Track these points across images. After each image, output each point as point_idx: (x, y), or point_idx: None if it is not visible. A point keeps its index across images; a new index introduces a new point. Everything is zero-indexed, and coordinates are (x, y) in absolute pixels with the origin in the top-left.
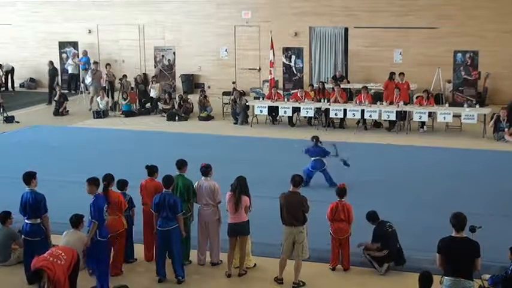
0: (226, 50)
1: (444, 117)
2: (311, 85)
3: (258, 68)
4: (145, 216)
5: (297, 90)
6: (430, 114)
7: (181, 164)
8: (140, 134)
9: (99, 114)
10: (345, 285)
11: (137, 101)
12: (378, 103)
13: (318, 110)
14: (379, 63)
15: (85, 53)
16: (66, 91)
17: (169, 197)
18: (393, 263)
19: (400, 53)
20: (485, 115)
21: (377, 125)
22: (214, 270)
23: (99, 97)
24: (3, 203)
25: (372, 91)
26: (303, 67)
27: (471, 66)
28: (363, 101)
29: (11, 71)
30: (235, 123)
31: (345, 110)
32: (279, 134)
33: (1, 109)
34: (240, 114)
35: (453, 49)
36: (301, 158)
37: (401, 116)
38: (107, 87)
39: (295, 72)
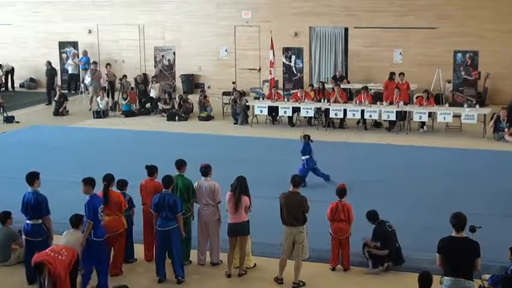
0: (226, 50)
1: (444, 117)
2: (311, 85)
3: (258, 68)
4: (145, 216)
5: (297, 90)
6: (430, 114)
7: (180, 164)
8: (140, 134)
9: (99, 114)
10: (345, 285)
11: (137, 101)
12: (378, 103)
13: (318, 110)
14: (379, 63)
15: (85, 53)
16: (66, 91)
17: (169, 197)
18: (392, 262)
19: (400, 53)
20: (485, 115)
21: (377, 125)
22: (214, 270)
23: (99, 97)
24: (3, 203)
25: (372, 91)
26: (303, 67)
27: (471, 66)
28: (363, 101)
29: (11, 71)
30: (235, 123)
31: (345, 110)
32: (279, 134)
33: (1, 109)
34: (240, 114)
35: (453, 49)
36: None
37: (402, 116)
38: (107, 87)
39: (295, 72)
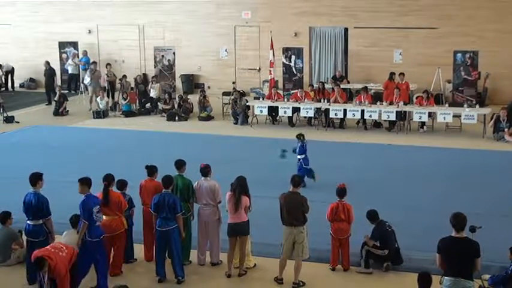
0: (226, 50)
1: (444, 118)
2: (311, 85)
3: (258, 68)
4: (145, 216)
5: (297, 90)
6: (430, 115)
7: (180, 164)
8: (140, 134)
9: (99, 114)
10: (345, 285)
11: (137, 101)
12: (378, 103)
13: (317, 110)
14: (379, 63)
15: (85, 53)
16: (66, 91)
17: (168, 197)
18: (391, 262)
19: (400, 53)
20: (485, 115)
21: (377, 125)
22: (214, 270)
23: (99, 97)
24: (3, 203)
25: (372, 91)
26: (302, 67)
27: (471, 66)
28: (363, 101)
29: (11, 71)
30: (235, 123)
31: (344, 110)
32: (279, 134)
33: (1, 109)
34: (241, 114)
35: (453, 49)
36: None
37: (401, 116)
38: (107, 87)
39: (295, 72)
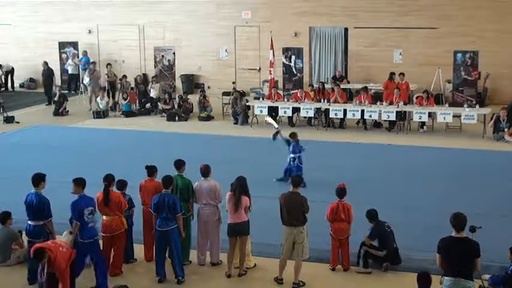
0: (226, 50)
1: (444, 118)
2: (311, 85)
3: (258, 68)
4: (146, 216)
5: (297, 91)
6: (430, 115)
7: (179, 164)
8: (140, 134)
9: (99, 114)
10: (345, 285)
11: (137, 101)
12: (378, 103)
13: (317, 110)
14: (379, 63)
15: (85, 53)
16: (66, 91)
17: (168, 197)
18: (389, 262)
19: (400, 53)
20: (485, 115)
21: (377, 125)
22: (214, 270)
23: (98, 97)
24: (3, 203)
25: (372, 91)
26: (302, 67)
27: (471, 66)
28: (363, 101)
29: (11, 71)
30: (235, 123)
31: (344, 110)
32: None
33: (1, 109)
34: (241, 114)
35: (453, 49)
36: (302, 158)
37: (401, 116)
38: (107, 87)
39: (295, 72)
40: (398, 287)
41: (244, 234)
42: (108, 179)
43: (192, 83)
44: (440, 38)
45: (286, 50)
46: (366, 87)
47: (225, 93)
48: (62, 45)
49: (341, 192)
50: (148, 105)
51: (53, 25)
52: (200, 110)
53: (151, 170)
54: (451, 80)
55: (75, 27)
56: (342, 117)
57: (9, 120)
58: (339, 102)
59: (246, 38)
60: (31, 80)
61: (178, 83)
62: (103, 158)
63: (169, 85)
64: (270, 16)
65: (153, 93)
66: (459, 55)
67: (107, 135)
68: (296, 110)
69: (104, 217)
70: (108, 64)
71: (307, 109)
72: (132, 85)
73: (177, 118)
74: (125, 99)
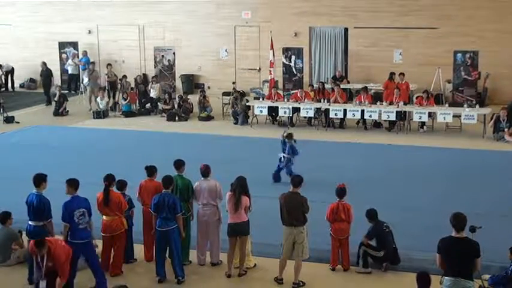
0: (226, 50)
1: (444, 118)
2: (311, 85)
3: (258, 68)
4: (146, 216)
5: (297, 91)
6: (430, 115)
7: (179, 164)
8: (140, 134)
9: (99, 114)
10: (344, 285)
11: (137, 101)
12: (378, 103)
13: (317, 110)
14: (379, 63)
15: (85, 53)
16: (66, 91)
17: (168, 197)
18: (389, 262)
19: (400, 53)
20: (485, 115)
21: (377, 125)
22: (214, 271)
23: (98, 97)
24: (3, 203)
25: (372, 91)
26: (302, 67)
27: (471, 66)
28: (363, 101)
29: (11, 71)
30: (235, 123)
31: (344, 110)
32: (279, 134)
33: (1, 109)
34: (241, 114)
35: (453, 49)
36: (302, 158)
37: (401, 116)
38: (107, 87)
39: (295, 72)
40: (398, 287)
41: (244, 234)
42: (109, 179)
43: (192, 83)
44: (440, 38)
45: (286, 50)
46: (366, 87)
47: (225, 93)
48: (62, 45)
49: (341, 192)
50: (148, 105)
51: (53, 25)
52: (200, 110)
53: (151, 170)
54: (451, 80)
55: (75, 28)
56: (342, 117)
57: (9, 120)
58: (339, 102)
59: (246, 38)
60: (31, 80)
61: (178, 83)
62: (103, 158)
63: (169, 85)
64: (270, 16)
65: (153, 93)
66: (459, 55)
67: (107, 135)
68: (296, 110)
69: (104, 217)
70: (109, 64)
71: (307, 109)
72: (132, 85)
73: (177, 118)
74: (125, 99)
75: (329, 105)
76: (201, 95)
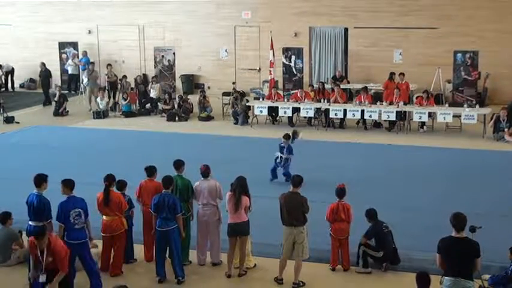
0: (226, 50)
1: (444, 118)
2: (311, 85)
3: (258, 68)
4: (146, 216)
5: (297, 91)
6: (430, 115)
7: (178, 165)
8: (140, 134)
9: (99, 114)
10: (344, 285)
11: (137, 101)
12: (378, 103)
13: (317, 110)
14: (379, 63)
15: (85, 53)
16: (66, 91)
17: (168, 197)
18: (388, 262)
19: (400, 53)
20: (485, 115)
21: (377, 125)
22: (214, 270)
23: (98, 97)
24: (3, 203)
25: (372, 91)
26: (302, 67)
27: (471, 66)
28: (363, 101)
29: (11, 71)
30: (235, 124)
31: (344, 110)
32: (279, 134)
33: (1, 109)
34: (241, 115)
35: (453, 49)
36: (302, 158)
37: (401, 116)
38: (107, 88)
39: (295, 72)
40: (398, 287)
41: (244, 234)
42: (109, 179)
43: (192, 83)
44: (440, 38)
45: (286, 50)
46: (366, 87)
47: (225, 94)
48: (62, 46)
49: (341, 192)
50: (148, 105)
51: (53, 25)
52: (200, 110)
53: (151, 171)
54: (451, 80)
55: (75, 28)
56: (342, 117)
57: (9, 120)
58: (339, 102)
59: (246, 38)
60: (31, 80)
61: (178, 83)
62: (103, 158)
63: (169, 85)
64: (270, 16)
65: (153, 94)
66: (459, 55)
67: (107, 136)
68: (296, 110)
69: (104, 217)
70: (109, 65)
71: (307, 109)
72: (132, 85)
73: (177, 118)
74: (125, 100)
75: (329, 105)
76: (201, 95)
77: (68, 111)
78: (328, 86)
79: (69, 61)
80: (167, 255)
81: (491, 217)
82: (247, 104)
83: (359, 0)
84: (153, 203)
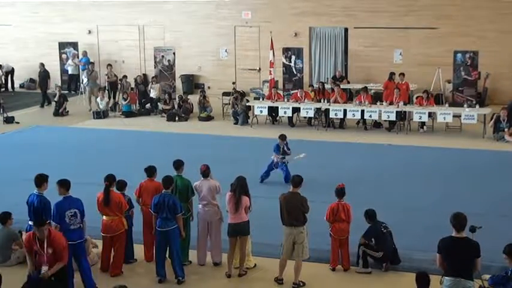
0: (226, 50)
1: (444, 118)
2: (311, 85)
3: (258, 68)
4: (146, 216)
5: (297, 91)
6: (430, 115)
7: (178, 165)
8: (140, 134)
9: (99, 114)
10: (345, 285)
11: (137, 101)
12: (378, 103)
13: (317, 110)
14: (379, 63)
15: (85, 53)
16: (66, 92)
17: (168, 197)
18: (388, 262)
19: (400, 53)
20: (485, 115)
21: (377, 125)
22: (214, 270)
23: (98, 97)
24: (3, 204)
25: (372, 91)
26: (302, 67)
27: (471, 66)
28: (363, 101)
29: (11, 71)
30: (235, 124)
31: (344, 110)
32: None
33: (1, 110)
34: (241, 115)
35: (453, 49)
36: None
37: (401, 116)
38: (107, 88)
39: (295, 72)
40: (398, 287)
41: (245, 234)
42: (109, 179)
43: (192, 83)
44: (440, 38)
45: (286, 50)
46: (365, 87)
47: (225, 94)
48: (62, 46)
49: (340, 192)
50: (148, 105)
51: (53, 25)
52: (200, 110)
53: (151, 171)
54: (451, 80)
55: (75, 28)
56: (342, 117)
57: (9, 120)
58: (339, 102)
59: (246, 38)
60: (31, 80)
61: (178, 83)
62: (103, 158)
63: (169, 85)
64: (270, 16)
65: (153, 94)
66: (459, 55)
67: (107, 136)
68: (296, 110)
69: (104, 217)
70: (109, 65)
71: (307, 109)
72: (132, 85)
73: (177, 118)
74: (125, 100)
75: (329, 105)
76: (201, 95)
77: (68, 111)
78: (328, 86)
79: (69, 61)
80: (167, 255)
81: (491, 217)
82: (247, 104)
83: (359, 0)
84: (153, 203)
